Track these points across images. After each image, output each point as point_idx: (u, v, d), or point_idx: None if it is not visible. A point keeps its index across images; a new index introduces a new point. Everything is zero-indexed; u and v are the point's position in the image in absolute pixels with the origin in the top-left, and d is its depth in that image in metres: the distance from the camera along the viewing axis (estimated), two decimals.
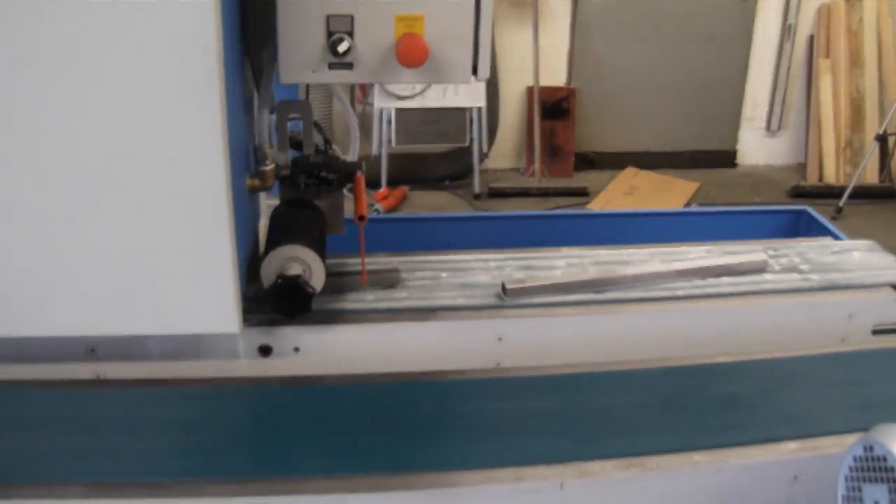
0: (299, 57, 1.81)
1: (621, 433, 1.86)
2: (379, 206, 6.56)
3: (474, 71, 1.88)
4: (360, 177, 2.13)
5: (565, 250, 2.51)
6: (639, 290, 2.28)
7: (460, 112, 6.78)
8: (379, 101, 6.61)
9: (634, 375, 2.06)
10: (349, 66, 1.81)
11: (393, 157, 6.90)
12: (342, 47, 1.77)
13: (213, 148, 1.62)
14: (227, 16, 1.71)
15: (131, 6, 1.51)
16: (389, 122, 6.74)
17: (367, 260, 2.17)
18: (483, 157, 7.13)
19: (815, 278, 2.37)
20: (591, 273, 2.31)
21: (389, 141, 6.77)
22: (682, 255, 2.49)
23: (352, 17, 1.77)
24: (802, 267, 2.43)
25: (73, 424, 1.87)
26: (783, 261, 2.48)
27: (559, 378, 2.04)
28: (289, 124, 2.23)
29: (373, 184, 6.90)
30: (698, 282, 2.34)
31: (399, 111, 6.67)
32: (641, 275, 2.32)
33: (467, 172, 7.13)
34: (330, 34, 1.78)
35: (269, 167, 2.05)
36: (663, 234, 3.17)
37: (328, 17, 1.77)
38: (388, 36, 1.79)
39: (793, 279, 2.37)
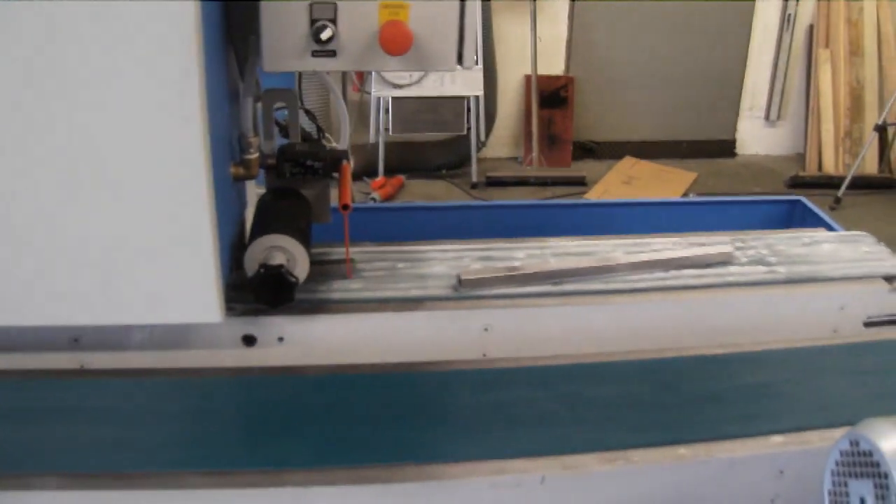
0: (282, 45, 1.79)
1: (604, 426, 1.84)
2: (376, 194, 6.55)
3: (459, 59, 1.87)
4: (346, 165, 2.11)
5: (527, 241, 2.48)
6: (598, 281, 2.25)
7: (458, 101, 6.76)
8: (376, 90, 6.60)
9: (618, 367, 2.05)
10: (332, 53, 1.79)
11: (390, 146, 6.89)
12: (325, 35, 1.75)
13: (192, 136, 1.61)
14: (207, 3, 1.69)
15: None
16: (386, 110, 6.72)
17: (321, 250, 2.17)
18: (481, 145, 7.12)
19: (782, 271, 2.34)
20: (550, 264, 2.28)
21: (387, 129, 6.75)
22: (647, 246, 2.46)
23: (335, 5, 1.75)
24: (770, 259, 2.41)
25: (56, 415, 1.86)
26: (750, 252, 2.45)
27: (543, 370, 2.02)
28: (281, 112, 2.22)
29: (370, 172, 6.89)
30: (661, 274, 2.31)
31: (396, 99, 6.65)
32: (601, 266, 2.28)
33: (465, 161, 7.12)
34: (313, 22, 1.76)
35: (254, 156, 2.03)
36: (656, 224, 3.15)
37: (311, 5, 1.75)
38: (371, 23, 1.77)
39: (758, 271, 2.35)
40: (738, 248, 2.46)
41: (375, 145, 6.84)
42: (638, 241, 2.49)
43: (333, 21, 1.76)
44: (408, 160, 7.12)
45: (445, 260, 2.33)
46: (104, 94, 1.56)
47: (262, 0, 1.75)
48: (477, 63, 6.78)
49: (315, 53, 1.79)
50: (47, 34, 1.51)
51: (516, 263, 2.30)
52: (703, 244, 2.44)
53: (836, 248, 2.50)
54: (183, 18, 1.52)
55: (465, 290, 2.15)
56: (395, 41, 1.75)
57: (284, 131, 2.31)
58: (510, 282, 2.20)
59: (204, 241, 1.71)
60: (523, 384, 1.97)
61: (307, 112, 2.52)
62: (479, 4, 1.94)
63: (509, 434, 1.81)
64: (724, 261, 2.38)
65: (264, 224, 1.97)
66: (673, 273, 2.31)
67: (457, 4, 1.80)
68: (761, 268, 2.36)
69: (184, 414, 1.88)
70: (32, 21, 1.50)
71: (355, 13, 1.76)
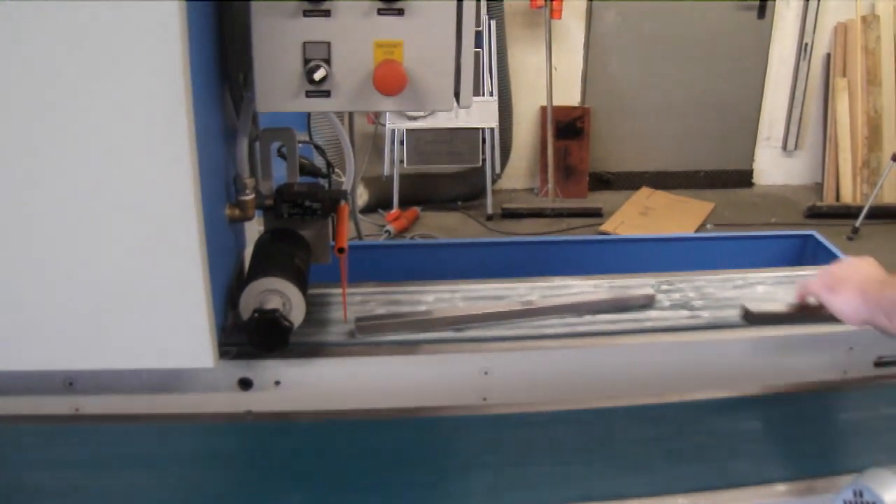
0: (276, 85, 1.76)
1: (605, 474, 1.81)
2: (390, 227, 6.55)
3: (456, 97, 1.84)
4: (344, 206, 2.09)
5: (438, 284, 2.38)
6: (503, 327, 2.16)
7: (473, 132, 6.77)
8: (391, 121, 6.62)
9: (623, 412, 2.01)
10: (326, 93, 1.76)
11: (405, 178, 6.90)
12: (318, 75, 1.72)
13: (181, 178, 1.58)
14: (201, 42, 1.69)
15: (94, 36, 1.47)
16: (401, 142, 6.74)
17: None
18: (496, 177, 7.13)
19: (706, 315, 2.23)
20: (456, 310, 2.19)
21: (401, 161, 6.76)
22: (566, 289, 2.35)
23: (329, 44, 1.73)
24: (695, 303, 2.30)
25: (51, 461, 1.84)
26: (675, 296, 2.33)
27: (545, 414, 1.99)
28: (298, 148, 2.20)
29: (385, 204, 6.90)
30: (573, 319, 2.20)
31: (410, 131, 6.67)
32: (507, 312, 2.18)
33: (480, 193, 7.12)
34: (307, 61, 1.74)
35: (249, 197, 2.01)
36: (664, 259, 3.13)
37: (304, 44, 1.73)
38: (366, 62, 1.75)
39: (679, 316, 2.23)
40: (662, 291, 2.35)
41: (390, 177, 6.85)
42: (558, 283, 2.39)
43: (327, 61, 1.74)
44: (423, 192, 7.13)
45: (351, 304, 2.25)
46: (95, 139, 1.54)
47: (255, 39, 1.73)
48: (492, 94, 6.79)
49: (309, 94, 1.76)
50: (26, 71, 1.49)
51: (422, 308, 2.23)
52: (626, 287, 2.35)
53: (773, 290, 2.39)
54: (170, 58, 1.50)
55: (362, 336, 2.08)
56: (389, 82, 1.73)
57: (303, 169, 2.29)
58: (410, 328, 2.12)
59: (196, 285, 1.69)
60: (524, 427, 1.94)
61: (317, 147, 2.49)
62: (473, 41, 1.90)
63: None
64: (645, 304, 2.27)
65: (260, 266, 1.94)
66: (587, 318, 2.21)
67: (453, 42, 1.77)
68: (684, 312, 2.24)
69: (179, 460, 1.86)
70: (12, 58, 1.48)
71: (349, 52, 1.74)
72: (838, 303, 1.82)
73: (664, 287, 2.37)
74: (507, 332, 2.12)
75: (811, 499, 1.70)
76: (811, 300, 1.99)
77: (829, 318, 1.93)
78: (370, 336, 2.07)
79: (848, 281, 1.82)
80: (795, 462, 1.83)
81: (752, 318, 2.10)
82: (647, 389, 2.06)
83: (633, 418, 1.96)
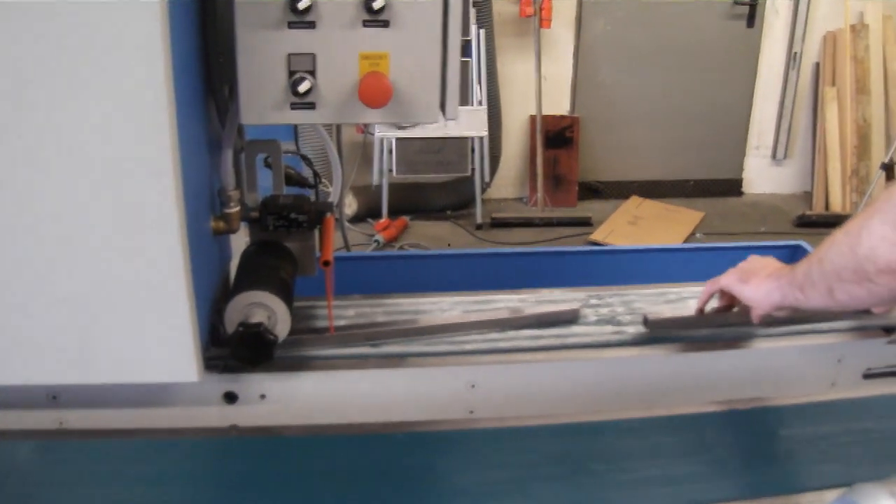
0: (261, 97, 1.75)
1: (593, 488, 1.79)
2: (379, 236, 6.55)
3: (442, 109, 1.83)
4: (330, 219, 2.07)
5: (357, 299, 2.36)
6: (421, 343, 2.12)
7: (462, 141, 6.78)
8: (379, 130, 6.61)
9: (613, 426, 2.00)
10: (311, 105, 1.75)
11: (394, 187, 6.90)
12: (303, 87, 1.71)
13: (164, 192, 1.57)
14: (186, 54, 1.67)
15: (76, 46, 1.46)
16: (390, 151, 6.73)
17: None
18: (485, 186, 7.13)
19: (631, 331, 2.17)
20: (375, 323, 2.17)
21: (390, 171, 6.76)
22: (491, 303, 2.31)
23: (313, 56, 1.72)
24: (623, 318, 2.25)
25: (35, 475, 1.82)
26: (604, 311, 2.28)
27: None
28: (283, 159, 2.18)
29: (374, 214, 6.89)
30: (495, 335, 2.15)
31: (400, 141, 6.67)
32: (425, 327, 2.14)
33: (469, 202, 7.12)
34: (291, 73, 1.73)
35: (234, 209, 1.99)
36: (652, 270, 3.12)
37: (289, 56, 1.72)
38: (351, 74, 1.74)
39: (603, 332, 2.18)
40: (590, 306, 2.30)
41: (379, 187, 6.84)
42: (483, 297, 2.35)
43: (312, 73, 1.73)
44: (412, 201, 7.13)
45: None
46: (76, 149, 1.53)
47: (240, 51, 1.72)
48: (482, 103, 6.79)
49: (294, 105, 1.75)
50: (4, 81, 1.47)
51: (343, 322, 2.20)
52: (553, 300, 2.31)
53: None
54: (154, 69, 1.49)
55: (283, 352, 2.02)
56: (375, 94, 1.71)
57: (290, 180, 2.28)
58: (326, 342, 2.10)
59: (180, 298, 1.67)
60: (516, 441, 1.93)
61: (304, 158, 2.48)
62: (459, 53, 1.89)
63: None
64: (569, 319, 2.22)
65: (245, 279, 1.93)
66: (510, 333, 2.16)
67: (438, 54, 1.76)
68: (609, 327, 2.20)
69: (162, 475, 1.84)
70: None
71: (334, 64, 1.73)
72: (750, 290, 1.92)
73: (593, 301, 2.34)
74: (494, 345, 2.10)
75: None
76: (711, 305, 2.13)
77: (734, 318, 2.09)
78: (287, 351, 2.05)
79: (758, 271, 1.93)
80: (782, 476, 1.82)
81: (651, 325, 2.14)
82: (635, 402, 2.05)
83: (622, 431, 1.95)
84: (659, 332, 2.14)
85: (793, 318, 2.12)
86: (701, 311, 2.13)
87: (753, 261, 2.00)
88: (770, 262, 1.96)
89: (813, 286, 1.67)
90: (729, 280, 2.01)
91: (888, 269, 1.44)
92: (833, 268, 1.58)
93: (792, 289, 1.77)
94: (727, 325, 2.15)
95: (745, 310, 2.00)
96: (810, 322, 2.19)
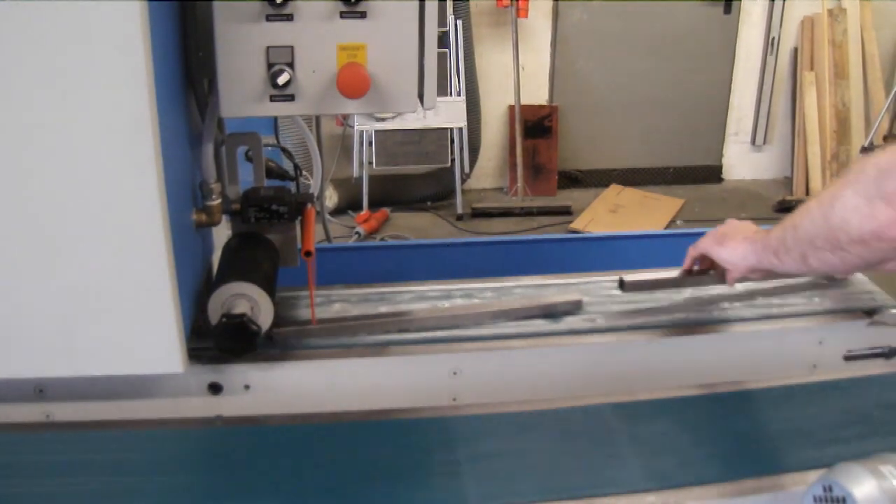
0: (240, 90, 1.76)
1: (575, 472, 1.81)
2: (360, 228, 6.55)
3: (420, 99, 1.84)
4: (310, 210, 2.08)
5: (340, 288, 2.35)
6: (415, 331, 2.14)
7: (441, 132, 6.78)
8: (359, 123, 6.61)
9: (593, 410, 2.01)
10: (291, 97, 1.76)
11: (374, 179, 6.90)
12: (282, 79, 1.72)
13: (147, 185, 1.58)
14: (165, 47, 1.68)
15: (56, 41, 1.46)
16: (370, 143, 6.73)
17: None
18: (465, 177, 7.13)
19: (602, 322, 2.19)
20: (361, 316, 2.18)
21: (370, 163, 6.76)
22: (477, 293, 2.32)
23: (292, 49, 1.73)
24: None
25: (22, 468, 1.82)
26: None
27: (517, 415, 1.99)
28: (264, 152, 2.20)
29: (354, 206, 6.89)
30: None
31: (379, 132, 6.67)
32: (418, 318, 2.17)
33: (450, 193, 7.13)
34: (270, 66, 1.74)
35: (216, 202, 2.00)
36: (633, 257, 3.14)
37: (268, 49, 1.73)
38: (330, 66, 1.75)
39: (584, 319, 2.21)
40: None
41: (360, 179, 6.84)
42: (466, 286, 2.36)
43: (291, 65, 1.74)
44: (392, 193, 7.13)
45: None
46: (58, 144, 1.53)
47: (219, 44, 1.73)
48: (460, 94, 6.79)
49: (273, 98, 1.76)
50: None
51: (325, 314, 2.20)
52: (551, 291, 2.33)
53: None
54: (134, 63, 1.49)
55: (282, 341, 2.07)
56: (353, 85, 1.72)
57: (271, 172, 2.29)
58: (309, 332, 2.11)
59: (164, 290, 1.68)
60: (499, 428, 1.94)
61: (284, 150, 2.49)
62: (436, 44, 1.90)
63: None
64: (571, 310, 2.24)
65: (228, 271, 1.94)
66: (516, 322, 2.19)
67: (415, 44, 1.78)
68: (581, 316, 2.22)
69: (148, 465, 1.85)
70: None
71: (313, 56, 1.74)
72: (726, 253, 1.98)
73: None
74: (476, 333, 2.12)
75: (780, 494, 1.69)
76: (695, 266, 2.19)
77: (709, 280, 2.17)
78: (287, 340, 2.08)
79: (735, 234, 1.98)
80: (764, 458, 1.83)
81: (628, 287, 2.21)
82: (617, 387, 2.07)
83: (602, 415, 1.97)
84: (635, 290, 2.24)
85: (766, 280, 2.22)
86: (685, 272, 2.17)
87: (731, 224, 2.04)
88: (747, 226, 2.00)
89: (787, 251, 1.69)
90: (706, 243, 2.06)
91: (860, 240, 1.45)
92: (806, 235, 1.60)
93: (767, 253, 1.80)
94: (702, 286, 2.24)
95: (721, 272, 2.06)
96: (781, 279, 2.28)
